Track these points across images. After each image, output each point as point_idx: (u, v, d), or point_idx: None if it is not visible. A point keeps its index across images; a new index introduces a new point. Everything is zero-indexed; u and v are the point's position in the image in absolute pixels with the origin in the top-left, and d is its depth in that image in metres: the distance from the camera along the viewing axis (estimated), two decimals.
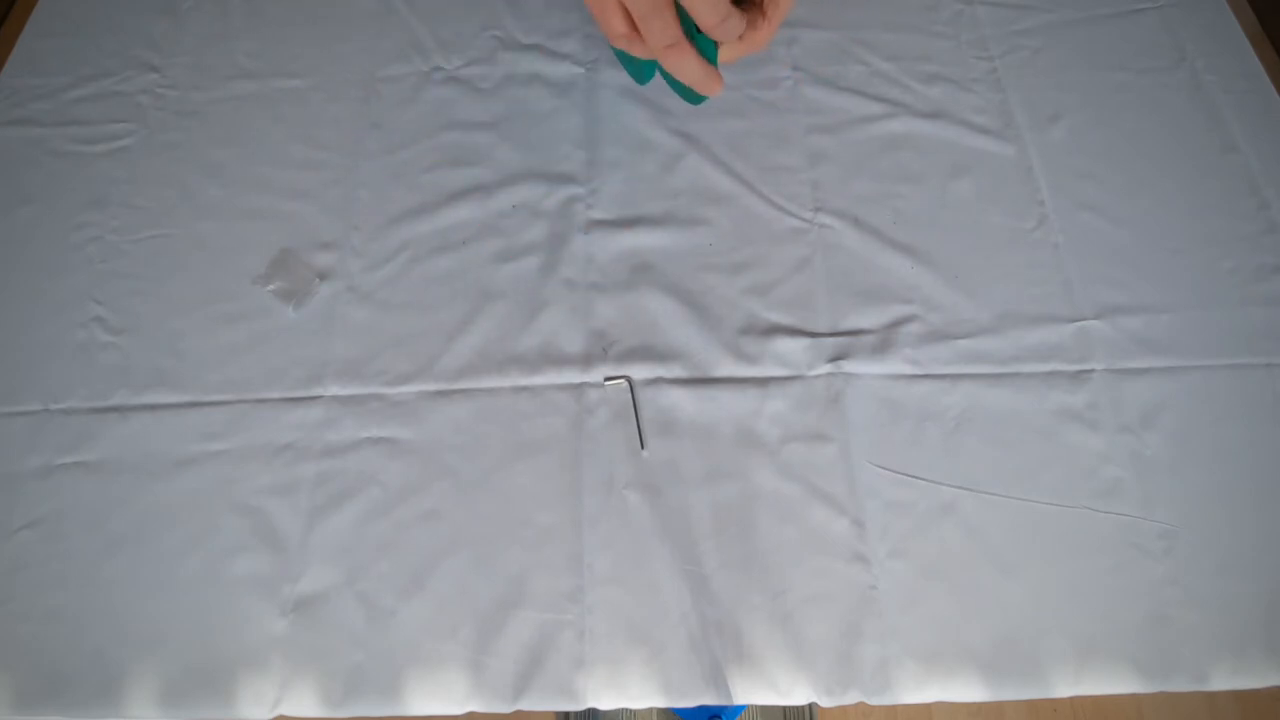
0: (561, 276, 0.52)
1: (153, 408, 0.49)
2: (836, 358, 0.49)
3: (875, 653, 0.42)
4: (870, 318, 0.50)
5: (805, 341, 0.50)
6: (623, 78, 0.60)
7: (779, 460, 0.46)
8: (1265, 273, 0.51)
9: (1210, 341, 0.49)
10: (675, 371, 0.49)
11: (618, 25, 0.39)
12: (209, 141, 0.58)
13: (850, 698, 0.41)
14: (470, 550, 0.45)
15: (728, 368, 0.49)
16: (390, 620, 0.43)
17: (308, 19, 0.63)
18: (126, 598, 0.44)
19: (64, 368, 0.50)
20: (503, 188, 0.55)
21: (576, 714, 0.86)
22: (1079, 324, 0.50)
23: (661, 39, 0.39)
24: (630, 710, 0.82)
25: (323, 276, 0.52)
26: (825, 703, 0.41)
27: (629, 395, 0.48)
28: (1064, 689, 0.41)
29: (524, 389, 0.49)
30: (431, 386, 0.49)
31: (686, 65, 0.40)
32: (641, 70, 0.52)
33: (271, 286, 0.52)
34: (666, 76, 0.44)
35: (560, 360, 0.49)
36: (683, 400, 0.48)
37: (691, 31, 0.40)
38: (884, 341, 0.50)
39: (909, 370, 0.49)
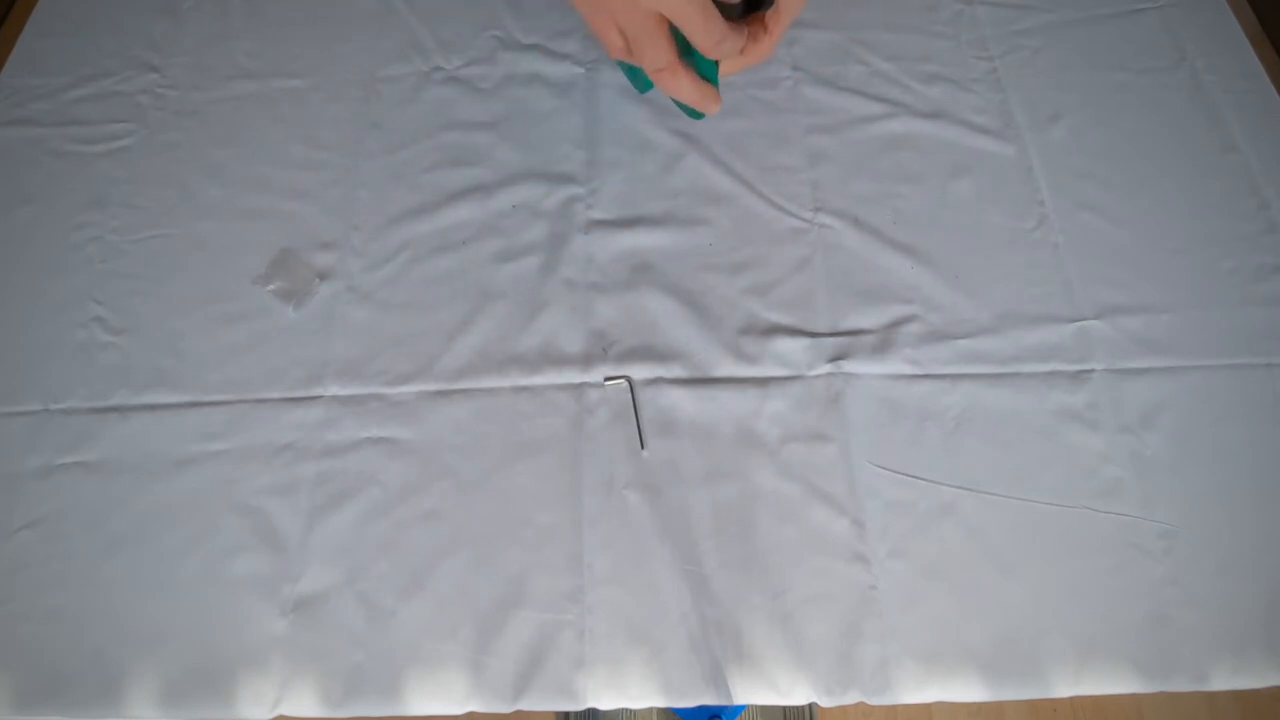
0: (561, 276, 0.52)
1: (153, 408, 0.49)
2: (836, 358, 0.49)
3: (875, 653, 0.42)
4: (870, 318, 0.50)
5: (805, 341, 0.50)
6: (623, 78, 0.60)
7: (779, 460, 0.46)
8: (1265, 273, 0.51)
9: (1210, 341, 0.49)
10: (675, 371, 0.49)
11: (616, 40, 0.39)
12: (209, 141, 0.58)
13: (850, 698, 0.41)
14: (470, 550, 0.45)
15: (728, 368, 0.49)
16: (390, 620, 0.43)
17: (308, 19, 0.63)
18: (126, 598, 0.44)
19: (64, 368, 0.50)
20: (503, 188, 0.55)
21: (576, 714, 0.86)
22: (1079, 324, 0.50)
23: (654, 63, 0.38)
24: (630, 710, 0.82)
25: (323, 276, 0.52)
26: (825, 703, 0.41)
27: (629, 395, 0.48)
28: (1064, 689, 0.41)
29: (524, 389, 0.49)
30: (431, 386, 0.49)
31: (681, 87, 0.40)
32: (642, 80, 0.52)
33: (271, 286, 0.52)
34: None
35: (560, 360, 0.49)
36: (683, 400, 0.48)
37: (691, 49, 0.39)
38: (884, 341, 0.50)
39: (909, 370, 0.49)
